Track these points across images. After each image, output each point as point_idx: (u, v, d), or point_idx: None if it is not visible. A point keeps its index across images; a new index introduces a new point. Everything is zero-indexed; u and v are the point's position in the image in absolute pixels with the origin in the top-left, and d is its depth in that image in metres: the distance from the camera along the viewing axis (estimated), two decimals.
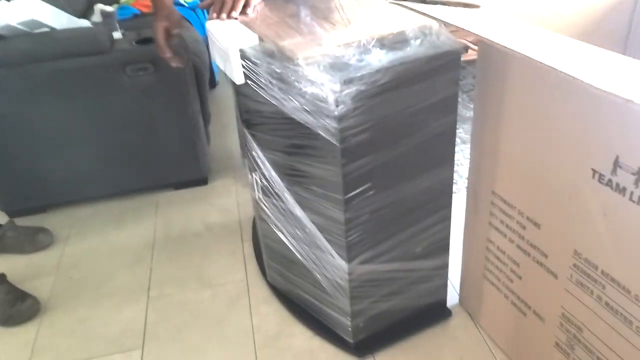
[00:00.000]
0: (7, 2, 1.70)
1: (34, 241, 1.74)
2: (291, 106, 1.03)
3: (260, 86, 1.08)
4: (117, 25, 1.98)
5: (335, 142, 1.00)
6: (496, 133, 1.09)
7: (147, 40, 1.80)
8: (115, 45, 1.77)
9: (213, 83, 2.76)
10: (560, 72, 0.80)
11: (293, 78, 0.99)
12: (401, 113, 1.03)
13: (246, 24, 1.17)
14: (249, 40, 1.10)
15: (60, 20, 1.82)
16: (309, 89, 0.97)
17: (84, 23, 1.92)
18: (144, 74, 1.74)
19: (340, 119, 0.97)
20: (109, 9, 2.02)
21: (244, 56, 1.08)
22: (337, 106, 0.95)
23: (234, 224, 1.83)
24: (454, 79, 1.05)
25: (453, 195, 1.22)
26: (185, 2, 2.46)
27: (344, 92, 0.95)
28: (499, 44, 0.90)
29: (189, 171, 1.99)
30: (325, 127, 0.99)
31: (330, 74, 0.95)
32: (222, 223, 1.84)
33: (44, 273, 1.65)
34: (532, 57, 0.84)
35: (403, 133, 1.06)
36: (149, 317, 1.48)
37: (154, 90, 1.78)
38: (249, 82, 1.10)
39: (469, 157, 1.20)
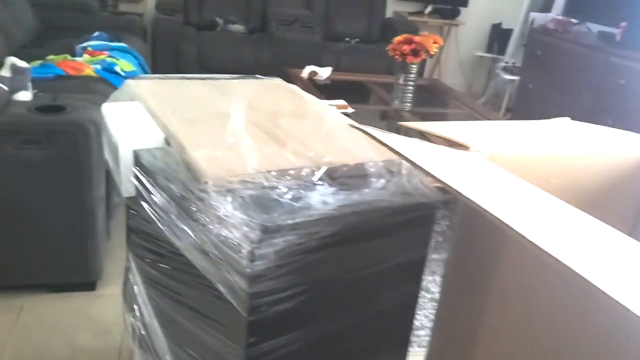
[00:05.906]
0: None
1: None
2: (189, 243, 0.70)
3: (152, 206, 0.75)
4: (30, 84, 1.66)
5: (241, 311, 0.66)
6: (472, 318, 0.79)
7: (56, 109, 1.47)
8: (8, 109, 1.43)
9: None
10: (578, 274, 0.53)
11: (195, 208, 0.67)
12: (345, 278, 0.72)
13: (157, 113, 0.86)
14: (151, 139, 0.79)
15: None
16: (216, 229, 0.65)
17: None
18: (34, 148, 1.38)
19: (254, 279, 0.64)
20: (21, 64, 1.70)
21: (138, 161, 0.77)
22: (251, 261, 0.63)
23: (112, 353, 1.40)
24: (423, 240, 0.76)
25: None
26: (122, 70, 2.17)
27: (265, 242, 0.63)
28: (491, 212, 0.62)
29: (73, 272, 1.57)
30: (231, 287, 0.66)
31: (249, 212, 0.64)
32: (96, 349, 1.41)
33: None
34: (540, 245, 0.57)
35: (345, 304, 0.75)
36: None
37: (44, 168, 1.41)
38: (139, 198, 0.77)
39: (429, 341, 0.89)
